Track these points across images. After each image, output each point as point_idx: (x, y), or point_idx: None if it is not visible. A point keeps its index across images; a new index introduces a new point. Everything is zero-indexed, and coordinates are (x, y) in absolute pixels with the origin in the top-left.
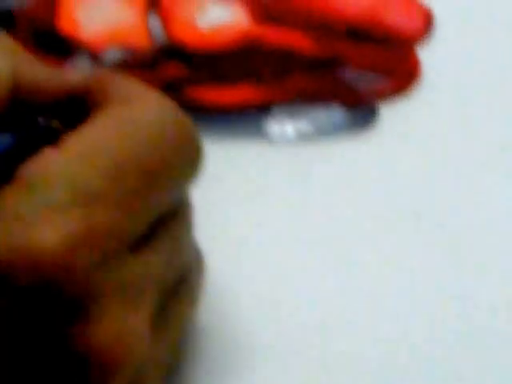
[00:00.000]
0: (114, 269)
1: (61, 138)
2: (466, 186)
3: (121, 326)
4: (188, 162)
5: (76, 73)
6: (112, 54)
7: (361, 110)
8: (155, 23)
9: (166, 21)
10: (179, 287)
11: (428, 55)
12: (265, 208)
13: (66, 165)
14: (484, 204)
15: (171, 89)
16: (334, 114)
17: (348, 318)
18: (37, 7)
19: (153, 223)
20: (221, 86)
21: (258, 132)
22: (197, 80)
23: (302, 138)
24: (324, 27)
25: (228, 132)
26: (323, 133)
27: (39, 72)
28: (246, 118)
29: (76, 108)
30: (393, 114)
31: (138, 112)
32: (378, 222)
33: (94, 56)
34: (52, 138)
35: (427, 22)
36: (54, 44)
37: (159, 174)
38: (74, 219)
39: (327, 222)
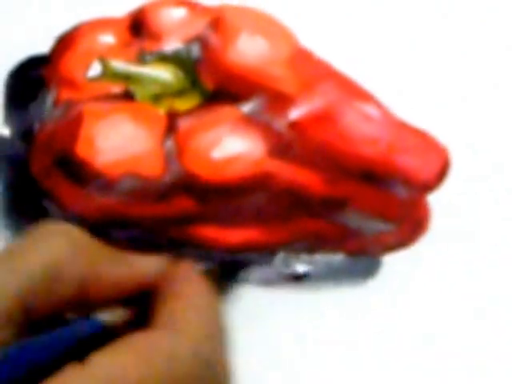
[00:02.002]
0: None
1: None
2: (469, 338)
3: None
4: None
5: (145, 264)
6: (125, 184)
7: (363, 259)
8: (171, 152)
9: (181, 150)
10: None
11: (436, 200)
12: (264, 347)
13: None
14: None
15: (178, 224)
16: (337, 260)
17: None
18: (57, 129)
19: None
20: (226, 226)
21: (259, 273)
22: (205, 217)
23: (302, 282)
24: (337, 166)
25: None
26: (323, 278)
27: (107, 267)
28: (248, 257)
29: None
30: (396, 264)
31: (174, 342)
32: (374, 372)
33: (108, 184)
34: (112, 333)
35: (443, 167)
36: (71, 168)
37: None
38: None
39: (323, 366)
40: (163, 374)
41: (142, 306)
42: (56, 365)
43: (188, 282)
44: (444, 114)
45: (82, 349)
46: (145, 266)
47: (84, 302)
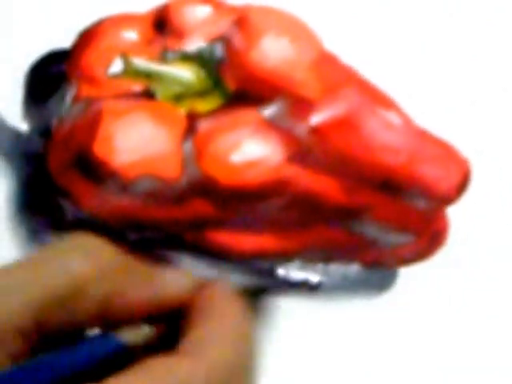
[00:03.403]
0: None
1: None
2: (487, 353)
3: None
4: None
5: (175, 280)
6: (142, 185)
7: (379, 271)
8: (190, 154)
9: (199, 153)
10: None
11: (455, 212)
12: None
13: None
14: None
15: (194, 228)
16: (351, 271)
17: None
18: (75, 126)
19: None
20: (242, 232)
21: (271, 280)
22: (220, 222)
23: (316, 292)
24: (357, 174)
25: (242, 280)
26: (337, 289)
27: (133, 288)
28: (260, 264)
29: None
30: (412, 277)
31: (192, 369)
32: None
33: (124, 184)
34: (130, 355)
35: (464, 178)
36: (88, 167)
37: None
38: None
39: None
40: None
41: (171, 324)
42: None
43: (221, 304)
44: (460, 122)
45: (100, 368)
46: (174, 285)
47: (107, 320)
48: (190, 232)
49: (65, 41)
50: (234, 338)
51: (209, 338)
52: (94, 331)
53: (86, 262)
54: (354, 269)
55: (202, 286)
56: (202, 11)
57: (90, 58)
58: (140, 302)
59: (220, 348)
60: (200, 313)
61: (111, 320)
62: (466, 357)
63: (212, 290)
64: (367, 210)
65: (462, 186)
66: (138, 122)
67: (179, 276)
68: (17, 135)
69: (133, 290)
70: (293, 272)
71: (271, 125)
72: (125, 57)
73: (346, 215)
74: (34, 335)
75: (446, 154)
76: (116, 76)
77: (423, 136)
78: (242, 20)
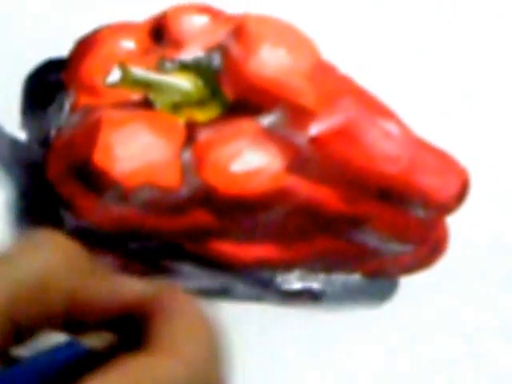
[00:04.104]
0: None
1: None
2: (487, 362)
3: None
4: None
5: (134, 285)
6: (142, 194)
7: (380, 280)
8: (189, 163)
9: (199, 163)
10: None
11: (455, 223)
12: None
13: None
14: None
15: (195, 238)
16: (352, 281)
17: None
18: (74, 136)
19: None
20: (243, 242)
21: (273, 289)
22: (221, 232)
23: (317, 301)
24: (356, 184)
25: (244, 290)
26: (338, 299)
27: (96, 285)
28: (262, 273)
29: (131, 320)
30: (412, 286)
31: (171, 367)
32: None
33: (125, 194)
34: (96, 359)
35: (463, 188)
36: (88, 176)
37: None
38: None
39: None
40: None
41: (121, 331)
42: None
43: (182, 303)
44: (458, 129)
45: (67, 375)
46: (132, 287)
47: (70, 319)
48: (191, 242)
49: (62, 49)
50: (203, 333)
51: (179, 335)
52: (58, 336)
53: (55, 256)
54: (355, 278)
55: (156, 291)
56: (200, 20)
57: (88, 67)
58: (101, 300)
59: (193, 344)
60: (163, 313)
61: (74, 319)
62: (466, 365)
63: (170, 292)
64: (367, 219)
65: (460, 195)
66: (137, 131)
67: (135, 280)
68: (15, 144)
69: (95, 288)
70: (294, 282)
71: (270, 134)
72: (123, 66)
73: (347, 225)
74: (7, 330)
75: (445, 163)
76: (114, 85)
77: (421, 145)
78: (239, 29)
